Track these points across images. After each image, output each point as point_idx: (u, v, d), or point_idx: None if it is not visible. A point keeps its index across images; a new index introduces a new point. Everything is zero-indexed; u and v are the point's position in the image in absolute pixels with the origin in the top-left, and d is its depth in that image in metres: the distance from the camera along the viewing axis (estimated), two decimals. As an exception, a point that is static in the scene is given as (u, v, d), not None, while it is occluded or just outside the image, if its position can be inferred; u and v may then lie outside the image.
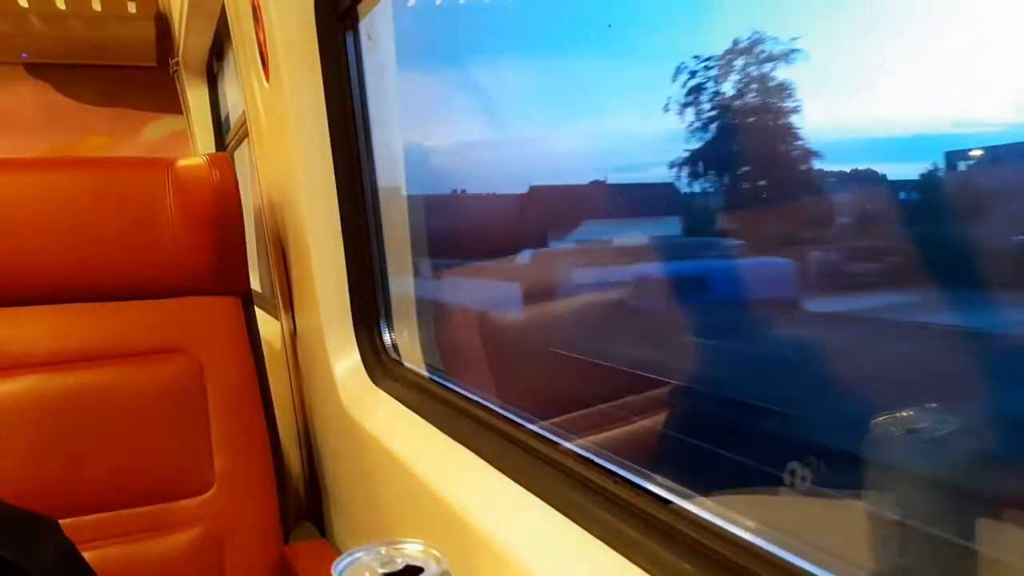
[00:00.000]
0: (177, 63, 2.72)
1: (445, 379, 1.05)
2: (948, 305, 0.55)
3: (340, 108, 1.14)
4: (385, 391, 1.09)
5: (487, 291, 1.24)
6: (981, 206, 0.53)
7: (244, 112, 1.59)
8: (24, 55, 2.81)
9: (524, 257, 1.16)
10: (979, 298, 0.51)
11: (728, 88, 0.67)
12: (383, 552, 0.54)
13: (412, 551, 0.55)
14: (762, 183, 0.72)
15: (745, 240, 0.75)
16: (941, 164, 0.52)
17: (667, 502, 0.59)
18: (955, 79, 0.49)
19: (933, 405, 0.56)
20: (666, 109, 0.71)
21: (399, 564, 0.53)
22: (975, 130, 0.50)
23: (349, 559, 0.54)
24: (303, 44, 1.12)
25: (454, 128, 1.26)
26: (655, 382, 0.83)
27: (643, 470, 0.65)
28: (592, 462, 0.69)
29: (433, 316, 1.24)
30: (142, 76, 2.95)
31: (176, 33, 2.58)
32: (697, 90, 0.69)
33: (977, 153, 0.52)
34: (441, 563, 0.54)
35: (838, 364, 0.63)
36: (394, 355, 1.17)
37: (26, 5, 2.45)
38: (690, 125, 0.70)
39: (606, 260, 1.01)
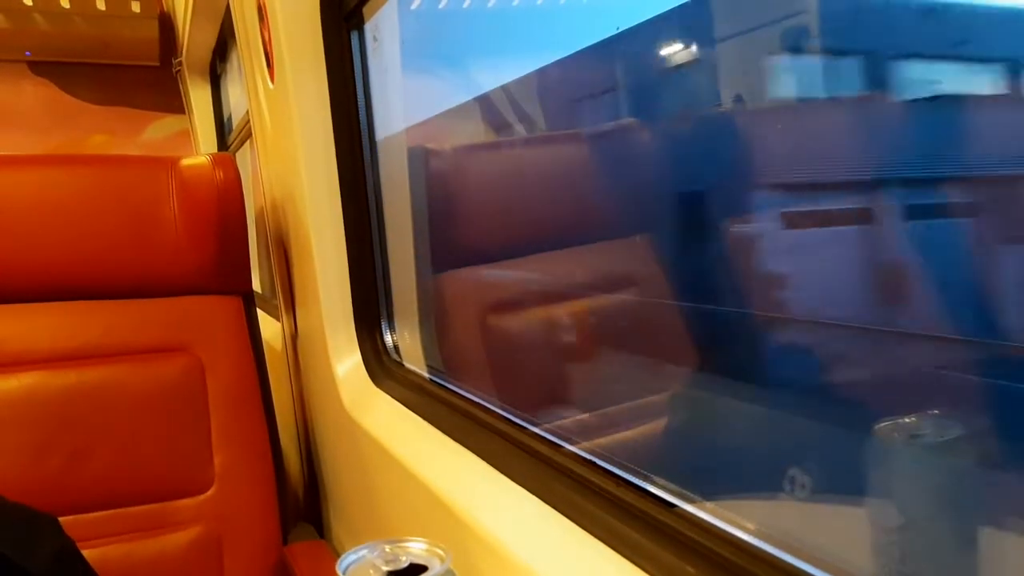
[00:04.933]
0: (180, 63, 2.73)
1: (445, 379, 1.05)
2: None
3: (344, 109, 1.14)
4: (386, 392, 1.09)
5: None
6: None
7: (247, 112, 1.59)
8: (28, 53, 2.81)
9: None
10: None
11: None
12: (387, 550, 0.54)
13: (416, 549, 0.55)
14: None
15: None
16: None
17: (671, 505, 0.59)
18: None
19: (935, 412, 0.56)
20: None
21: (403, 562, 0.53)
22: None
23: (354, 556, 0.54)
24: (308, 45, 1.12)
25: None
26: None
27: (645, 473, 0.65)
28: (594, 464, 0.69)
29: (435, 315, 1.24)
30: (145, 75, 2.96)
31: (180, 33, 2.58)
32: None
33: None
34: (445, 562, 0.54)
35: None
36: (395, 356, 1.17)
37: (30, 3, 2.46)
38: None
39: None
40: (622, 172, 0.99)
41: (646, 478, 0.63)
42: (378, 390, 1.11)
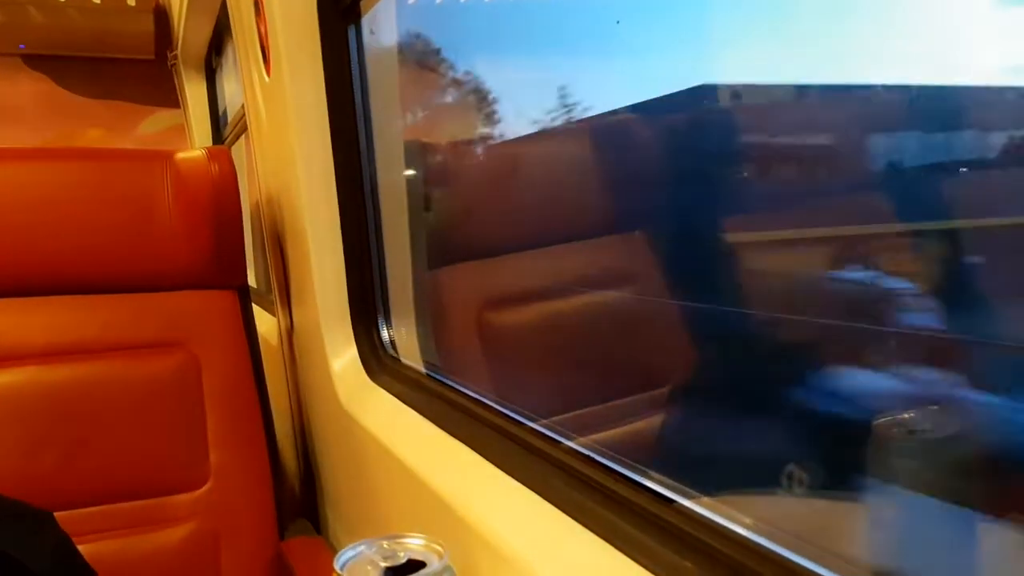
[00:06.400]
0: (175, 57, 2.71)
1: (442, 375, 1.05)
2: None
3: (341, 103, 1.13)
4: (383, 388, 1.08)
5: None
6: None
7: (242, 106, 1.58)
8: (22, 46, 2.80)
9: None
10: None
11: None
12: (385, 546, 0.54)
13: (414, 545, 0.55)
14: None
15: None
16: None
17: (669, 500, 0.58)
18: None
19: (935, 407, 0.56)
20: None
21: (401, 558, 0.53)
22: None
23: (351, 552, 0.53)
24: (305, 38, 1.12)
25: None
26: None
27: (643, 468, 0.65)
28: (592, 459, 0.69)
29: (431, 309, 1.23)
30: (140, 69, 2.94)
31: (175, 26, 2.57)
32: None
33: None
34: (443, 558, 0.53)
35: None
36: (392, 352, 1.16)
37: (25, -4, 2.45)
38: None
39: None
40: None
41: (643, 473, 0.63)
42: (374, 385, 1.10)
